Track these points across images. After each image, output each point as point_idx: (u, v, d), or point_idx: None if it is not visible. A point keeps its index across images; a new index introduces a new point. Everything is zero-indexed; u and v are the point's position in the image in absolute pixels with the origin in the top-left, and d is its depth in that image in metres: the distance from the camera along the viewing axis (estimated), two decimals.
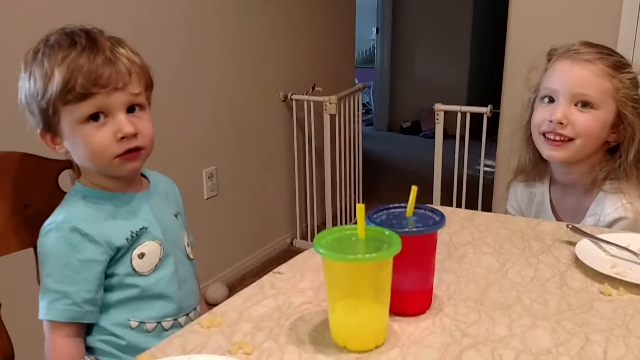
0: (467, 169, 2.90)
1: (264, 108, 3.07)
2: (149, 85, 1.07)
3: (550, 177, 1.44)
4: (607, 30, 2.23)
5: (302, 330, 0.82)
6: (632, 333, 0.81)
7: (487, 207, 2.66)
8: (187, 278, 1.15)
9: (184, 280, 1.13)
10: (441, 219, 0.85)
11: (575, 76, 1.29)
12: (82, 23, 1.03)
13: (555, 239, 1.15)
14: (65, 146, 1.04)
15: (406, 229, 0.83)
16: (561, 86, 1.29)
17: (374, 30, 6.49)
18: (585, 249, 1.06)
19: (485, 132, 2.77)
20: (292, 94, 3.15)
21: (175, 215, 1.18)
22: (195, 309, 1.17)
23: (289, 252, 3.25)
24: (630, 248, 1.06)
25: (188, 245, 1.19)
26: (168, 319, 1.10)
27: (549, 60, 1.38)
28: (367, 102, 6.84)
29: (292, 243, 3.40)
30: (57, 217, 1.03)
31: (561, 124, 1.28)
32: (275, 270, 1.03)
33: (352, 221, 3.37)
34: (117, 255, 1.04)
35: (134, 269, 1.06)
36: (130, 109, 1.02)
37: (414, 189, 0.86)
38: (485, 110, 2.73)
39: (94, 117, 0.99)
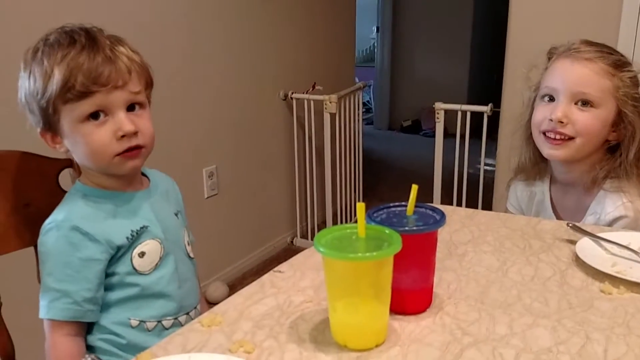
0: (467, 167, 2.90)
1: (264, 107, 3.06)
2: (148, 84, 1.07)
3: (551, 176, 1.44)
4: (607, 29, 2.23)
5: (302, 329, 0.82)
6: (633, 332, 0.81)
7: (488, 206, 2.66)
8: (187, 277, 1.15)
9: (184, 279, 1.13)
10: (441, 218, 0.85)
11: (575, 75, 1.29)
12: (82, 22, 1.03)
13: (556, 238, 1.15)
14: (65, 145, 1.04)
15: (406, 228, 0.83)
16: (561, 85, 1.29)
17: (374, 29, 6.49)
18: (586, 247, 1.06)
19: (485, 131, 2.77)
20: (292, 93, 3.15)
21: (176, 214, 1.18)
22: (195, 307, 1.17)
23: (289, 251, 3.25)
24: (630, 247, 1.05)
25: (188, 244, 1.19)
26: (168, 317, 1.10)
27: (549, 59, 1.38)
28: (368, 101, 6.84)
29: (292, 242, 3.40)
30: (57, 216, 1.03)
31: (561, 122, 1.28)
32: (275, 269, 1.03)
33: (353, 220, 3.37)
34: (118, 254, 1.04)
35: (134, 268, 1.06)
36: (131, 108, 1.02)
37: (414, 188, 0.86)
38: (486, 109, 2.73)
39: (94, 115, 0.99)
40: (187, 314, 1.14)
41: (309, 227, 3.41)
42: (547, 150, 1.33)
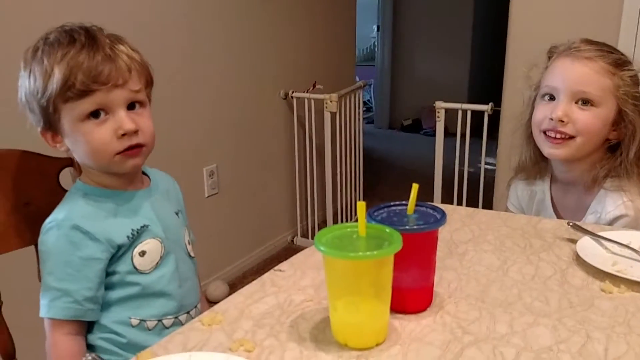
0: (468, 166, 2.90)
1: (265, 106, 3.06)
2: (149, 82, 1.07)
3: (551, 175, 1.44)
4: (608, 28, 2.23)
5: (303, 328, 0.82)
6: (633, 330, 0.81)
7: (488, 205, 2.66)
8: (188, 276, 1.15)
9: (184, 278, 1.13)
10: (442, 217, 0.85)
11: (575, 74, 1.29)
12: (82, 21, 1.03)
13: (556, 237, 1.15)
14: (66, 144, 1.04)
15: (407, 227, 0.83)
16: (562, 84, 1.29)
17: (375, 28, 6.49)
18: (586, 246, 1.06)
19: (486, 130, 2.77)
20: (292, 92, 3.15)
21: (176, 213, 1.18)
22: (196, 306, 1.17)
23: (289, 250, 3.25)
24: (631, 246, 1.05)
25: (189, 243, 1.19)
26: (169, 316, 1.10)
27: (549, 57, 1.37)
28: (368, 100, 6.84)
29: (292, 241, 3.40)
30: (58, 215, 1.03)
31: (562, 121, 1.28)
32: (276, 268, 1.03)
33: (353, 219, 3.37)
34: (118, 253, 1.04)
35: (134, 267, 1.06)
36: (131, 106, 1.02)
37: (414, 187, 0.86)
38: (486, 108, 2.73)
39: (95, 114, 0.99)
40: (188, 313, 1.14)
41: (309, 226, 3.41)
42: (548, 149, 1.33)
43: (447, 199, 2.98)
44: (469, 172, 2.92)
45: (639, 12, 2.21)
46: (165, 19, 2.38)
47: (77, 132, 1.00)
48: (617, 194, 1.29)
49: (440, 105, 2.86)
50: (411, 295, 0.85)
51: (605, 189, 1.31)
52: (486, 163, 2.85)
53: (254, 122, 2.99)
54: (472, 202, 2.80)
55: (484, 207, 2.60)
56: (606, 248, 1.07)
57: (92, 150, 1.01)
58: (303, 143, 3.26)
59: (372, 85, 6.66)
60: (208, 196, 2.73)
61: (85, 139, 1.00)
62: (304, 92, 3.16)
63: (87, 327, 1.07)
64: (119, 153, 1.01)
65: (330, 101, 3.05)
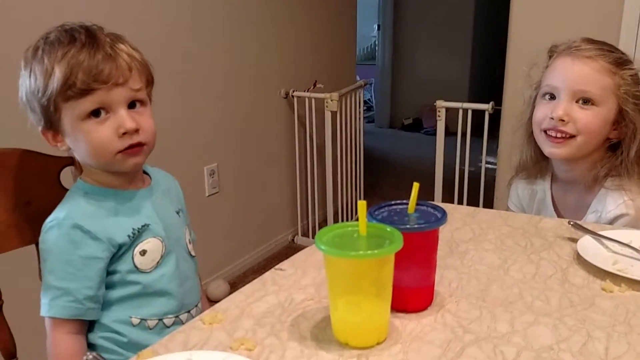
0: (468, 165, 2.90)
1: (265, 105, 3.06)
2: (149, 81, 1.07)
3: (552, 174, 1.44)
4: (608, 27, 2.23)
5: (303, 327, 0.83)
6: (634, 330, 0.81)
7: (489, 204, 2.66)
8: (188, 275, 1.15)
9: (185, 277, 1.13)
10: (443, 216, 0.85)
11: (576, 73, 1.28)
12: (82, 20, 1.03)
13: (557, 236, 1.15)
14: (67, 143, 1.04)
15: (408, 226, 0.83)
16: (562, 83, 1.29)
17: (375, 27, 6.48)
18: (587, 245, 1.06)
19: (486, 129, 2.77)
20: (293, 91, 3.15)
21: (177, 212, 1.18)
22: (196, 305, 1.17)
23: (290, 249, 3.25)
24: (632, 245, 1.05)
25: (190, 242, 1.19)
26: (169, 316, 1.10)
27: (550, 57, 1.37)
28: (369, 99, 6.84)
29: (293, 240, 3.40)
30: (58, 214, 1.03)
31: (562, 121, 1.28)
32: (276, 267, 1.03)
33: (354, 218, 3.37)
34: (119, 252, 1.04)
35: (135, 266, 1.06)
36: (132, 105, 1.02)
37: (415, 186, 0.86)
38: (487, 107, 2.72)
39: (95, 113, 0.99)
40: (188, 312, 1.14)
41: (310, 225, 3.41)
42: (548, 148, 1.33)
43: (447, 198, 2.98)
44: (469, 171, 2.92)
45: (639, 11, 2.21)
46: (165, 18, 2.38)
47: (78, 131, 1.00)
48: (617, 193, 1.29)
49: (441, 104, 2.86)
50: (412, 294, 0.85)
51: (606, 188, 1.31)
52: (487, 162, 2.85)
53: (254, 121, 2.99)
54: (473, 201, 2.79)
55: (484, 206, 2.59)
56: (607, 247, 1.07)
57: (93, 149, 1.01)
58: (304, 142, 3.26)
59: (372, 85, 6.66)
60: (209, 195, 2.73)
61: (86, 138, 1.00)
62: (304, 91, 3.16)
63: (88, 326, 1.07)
64: (119, 152, 1.01)
65: (331, 100, 3.05)
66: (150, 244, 1.07)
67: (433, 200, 2.38)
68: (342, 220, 3.35)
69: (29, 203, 1.13)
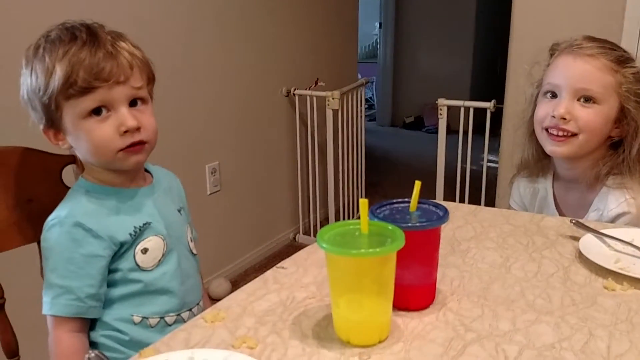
0: (470, 164, 2.90)
1: (267, 103, 3.06)
2: (150, 79, 1.07)
3: (554, 173, 1.44)
4: (611, 25, 2.22)
5: (305, 325, 0.83)
6: (636, 328, 0.80)
7: (491, 202, 2.65)
8: (190, 273, 1.15)
9: (187, 275, 1.13)
10: (445, 214, 0.85)
11: (577, 71, 1.28)
12: (83, 18, 1.03)
13: (559, 234, 1.14)
14: (68, 141, 1.04)
15: (409, 224, 0.83)
16: (564, 81, 1.29)
17: (377, 25, 6.48)
18: (589, 244, 1.05)
19: (488, 127, 2.77)
20: (294, 89, 3.15)
21: (179, 210, 1.18)
22: (198, 304, 1.17)
23: (291, 248, 3.25)
24: (634, 243, 1.05)
25: (191, 241, 1.19)
26: (171, 314, 1.10)
27: (551, 55, 1.37)
28: (370, 97, 6.84)
29: (294, 238, 3.40)
30: (60, 212, 1.03)
31: (564, 119, 1.27)
32: (278, 265, 1.03)
33: (355, 216, 3.37)
34: (121, 250, 1.04)
35: (137, 264, 1.06)
36: (133, 103, 1.02)
37: (417, 184, 0.86)
38: (489, 105, 2.72)
39: (97, 111, 0.98)
40: (190, 310, 1.14)
41: (311, 224, 3.41)
42: (550, 146, 1.33)
43: (449, 196, 2.98)
44: (471, 170, 2.91)
45: None
46: (166, 16, 2.38)
47: (79, 130, 1.00)
48: (619, 191, 1.29)
49: (443, 102, 2.86)
50: (414, 292, 0.85)
51: (608, 186, 1.31)
52: (489, 160, 2.85)
53: (256, 119, 2.99)
54: (475, 200, 2.79)
55: (486, 205, 2.59)
56: (609, 245, 1.07)
57: (94, 148, 1.01)
58: (305, 140, 3.26)
59: (374, 83, 6.66)
60: (210, 194, 2.74)
61: (87, 136, 1.00)
62: (306, 89, 3.16)
63: (90, 324, 1.07)
64: (121, 150, 1.01)
65: (333, 98, 3.05)
66: (152, 242, 1.07)
67: (435, 198, 2.38)
68: (344, 219, 3.35)
69: (31, 201, 1.14)
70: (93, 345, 1.07)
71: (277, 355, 0.75)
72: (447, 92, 3.25)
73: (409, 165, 4.96)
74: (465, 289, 0.93)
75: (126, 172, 1.07)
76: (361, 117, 3.46)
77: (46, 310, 1.02)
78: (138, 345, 0.91)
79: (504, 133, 2.53)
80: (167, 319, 1.10)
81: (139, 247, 1.06)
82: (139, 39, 1.06)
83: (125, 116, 0.99)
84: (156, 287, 1.08)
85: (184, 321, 1.09)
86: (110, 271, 1.05)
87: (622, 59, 1.28)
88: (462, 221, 1.22)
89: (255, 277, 0.98)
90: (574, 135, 1.29)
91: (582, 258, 1.02)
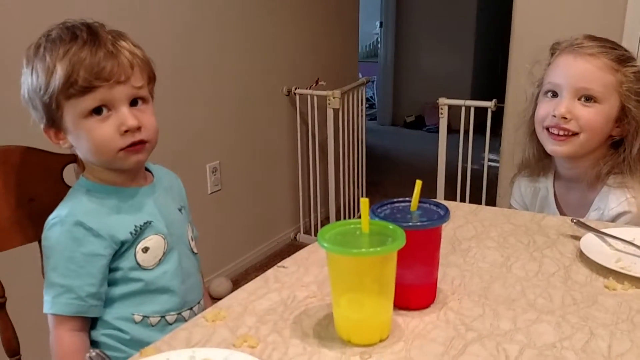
0: (471, 163, 2.90)
1: (268, 102, 3.06)
2: (151, 79, 1.07)
3: (555, 172, 1.44)
4: (612, 24, 2.22)
5: (306, 324, 0.83)
6: (637, 327, 0.80)
7: (491, 202, 2.65)
8: (191, 272, 1.15)
9: (187, 274, 1.13)
10: (445, 213, 0.85)
11: (578, 70, 1.28)
12: (83, 18, 1.03)
13: (560, 234, 1.14)
14: (69, 141, 1.04)
15: (410, 223, 0.83)
16: (564, 81, 1.29)
17: (378, 24, 6.47)
18: (590, 243, 1.05)
19: (489, 127, 2.77)
20: (295, 89, 3.15)
21: (180, 210, 1.18)
22: (199, 303, 1.17)
23: (292, 247, 3.26)
24: (635, 242, 1.05)
25: (192, 240, 1.19)
26: (172, 313, 1.10)
27: (552, 54, 1.37)
28: (371, 97, 6.83)
29: (295, 237, 3.40)
30: (61, 211, 1.03)
31: (565, 118, 1.27)
32: (279, 264, 1.03)
33: (356, 216, 3.37)
34: (121, 249, 1.04)
35: (138, 263, 1.06)
36: (133, 103, 1.02)
37: (418, 183, 0.86)
38: (490, 104, 2.72)
39: (97, 110, 0.98)
40: (191, 309, 1.14)
41: (312, 223, 3.41)
42: (551, 146, 1.32)
43: (450, 195, 2.98)
44: (472, 169, 2.91)
45: None
46: (167, 16, 2.38)
47: (80, 129, 1.00)
48: (620, 190, 1.29)
49: (444, 101, 2.86)
50: (414, 291, 0.85)
51: (609, 185, 1.31)
52: (489, 160, 2.85)
53: (256, 118, 2.99)
54: (476, 199, 2.79)
55: (487, 204, 2.59)
56: (610, 245, 1.07)
57: (95, 147, 1.01)
58: (306, 140, 3.26)
59: (374, 82, 6.65)
60: (211, 193, 2.74)
61: (88, 136, 1.00)
62: (306, 88, 3.16)
63: (91, 323, 1.07)
64: (121, 149, 1.01)
65: (333, 98, 3.05)
66: (153, 241, 1.07)
67: (435, 197, 2.38)
68: (345, 218, 3.35)
69: (32, 200, 1.14)
70: (94, 344, 1.07)
71: (278, 355, 0.75)
72: (448, 91, 3.25)
73: (409, 164, 4.95)
74: (466, 288, 0.93)
75: (127, 171, 1.07)
76: (362, 116, 3.46)
77: (47, 309, 1.02)
78: (139, 344, 0.91)
79: (504, 132, 2.53)
80: (167, 318, 1.10)
81: (140, 246, 1.06)
82: (139, 39, 1.06)
83: (126, 116, 0.99)
84: (157, 286, 1.08)
85: (184, 320, 1.09)
86: (111, 270, 1.05)
87: (622, 58, 1.28)
88: (462, 220, 1.22)
89: (256, 276, 0.98)
90: (575, 134, 1.29)
91: (583, 257, 1.02)
